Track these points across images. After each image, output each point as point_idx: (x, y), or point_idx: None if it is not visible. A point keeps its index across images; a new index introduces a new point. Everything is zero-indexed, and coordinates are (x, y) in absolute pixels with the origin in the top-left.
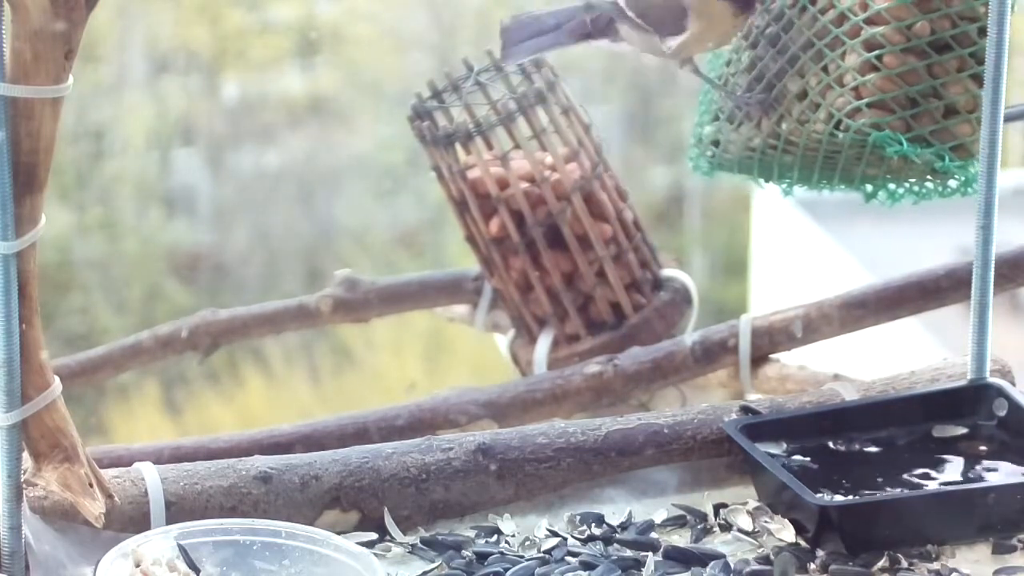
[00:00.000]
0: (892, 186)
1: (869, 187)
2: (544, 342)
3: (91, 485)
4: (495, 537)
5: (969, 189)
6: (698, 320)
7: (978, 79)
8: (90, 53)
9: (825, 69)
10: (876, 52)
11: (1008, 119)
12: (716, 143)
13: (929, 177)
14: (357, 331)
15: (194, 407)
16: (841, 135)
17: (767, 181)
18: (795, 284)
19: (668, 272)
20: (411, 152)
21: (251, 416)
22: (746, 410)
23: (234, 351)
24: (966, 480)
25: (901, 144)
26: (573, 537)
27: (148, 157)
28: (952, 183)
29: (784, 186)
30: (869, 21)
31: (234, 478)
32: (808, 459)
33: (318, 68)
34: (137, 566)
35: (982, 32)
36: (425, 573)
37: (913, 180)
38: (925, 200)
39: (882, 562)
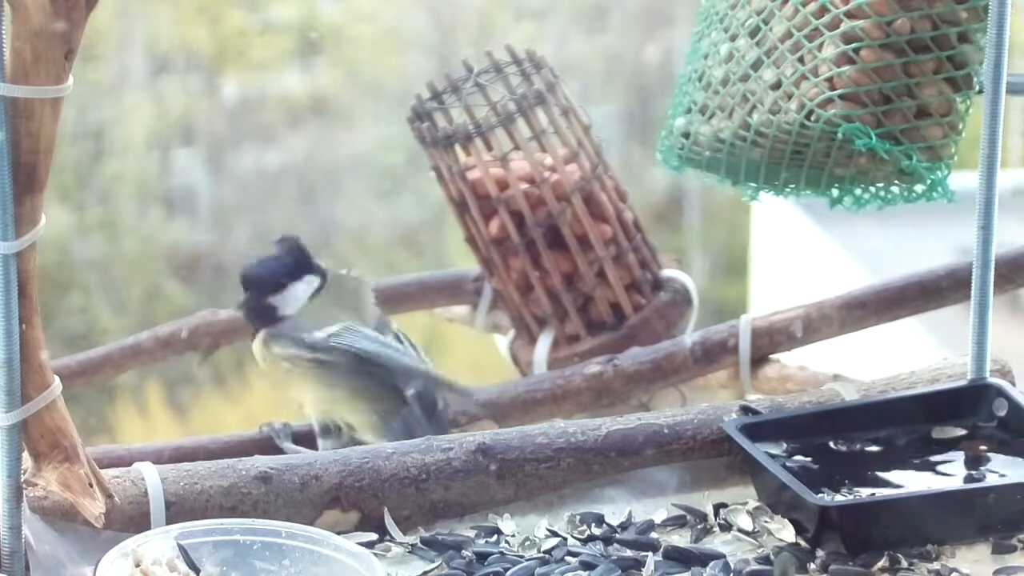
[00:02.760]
0: (858, 191)
1: (835, 191)
2: (544, 342)
3: (91, 485)
4: (495, 537)
5: (935, 194)
6: (698, 320)
7: (954, 83)
8: (90, 53)
9: (801, 60)
10: (854, 45)
11: (1012, 91)
12: (686, 135)
13: (896, 181)
14: None
15: (200, 407)
16: (812, 125)
17: (734, 182)
18: (795, 284)
19: (668, 272)
20: (411, 152)
21: (255, 416)
22: (746, 410)
23: (240, 352)
24: (966, 480)
25: (870, 137)
26: (573, 537)
27: (148, 157)
28: (918, 188)
29: (750, 190)
30: (849, 14)
31: (234, 478)
32: (808, 459)
33: (318, 68)
34: (137, 566)
35: (962, 38)
36: (425, 573)
37: (880, 184)
38: (890, 205)
39: (882, 562)
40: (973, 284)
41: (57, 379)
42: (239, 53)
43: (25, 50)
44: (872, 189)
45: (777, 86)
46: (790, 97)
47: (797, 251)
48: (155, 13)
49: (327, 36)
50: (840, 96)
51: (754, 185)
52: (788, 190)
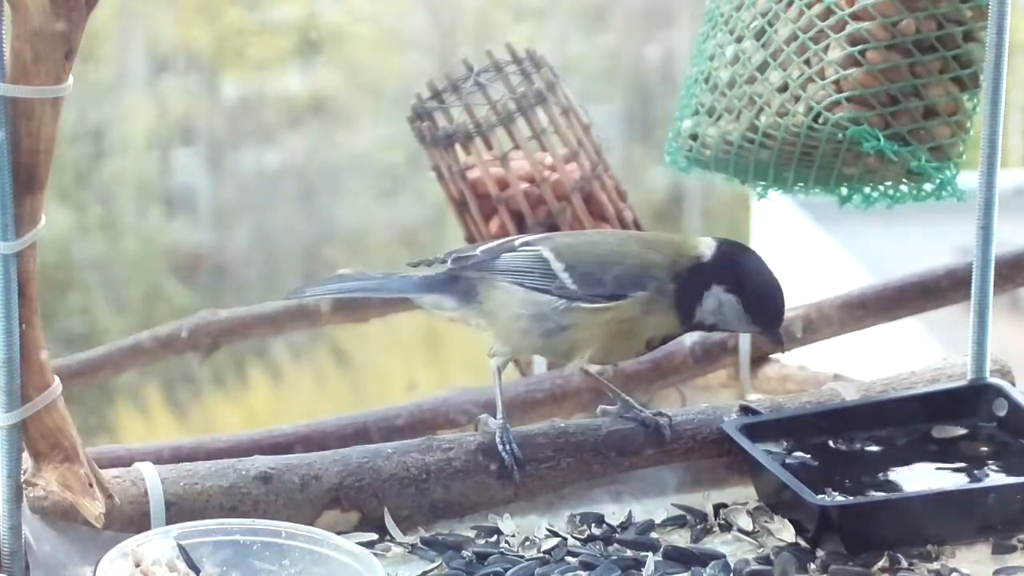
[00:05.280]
0: (867, 189)
1: (844, 190)
2: None
3: (91, 485)
4: (495, 537)
5: (943, 192)
6: None
7: (960, 82)
8: (90, 53)
9: (807, 62)
10: (860, 47)
11: None
12: (694, 137)
13: (904, 180)
14: (357, 331)
15: (200, 407)
16: (819, 128)
17: (743, 181)
18: (795, 284)
19: None
20: (411, 152)
21: (255, 416)
22: (746, 410)
23: (238, 351)
24: (966, 480)
25: (878, 139)
26: (573, 537)
27: (148, 157)
28: (927, 186)
29: (759, 188)
30: (855, 16)
31: (234, 478)
32: (808, 459)
33: (318, 68)
34: (137, 566)
35: (968, 36)
36: (425, 573)
37: (888, 183)
38: (900, 203)
39: (882, 562)
40: (973, 284)
41: (57, 379)
42: (239, 53)
43: (25, 50)
44: (881, 188)
45: (784, 89)
46: (797, 100)
47: (797, 251)
48: (155, 13)
49: (327, 36)
50: (847, 98)
51: (763, 184)
52: (797, 189)
